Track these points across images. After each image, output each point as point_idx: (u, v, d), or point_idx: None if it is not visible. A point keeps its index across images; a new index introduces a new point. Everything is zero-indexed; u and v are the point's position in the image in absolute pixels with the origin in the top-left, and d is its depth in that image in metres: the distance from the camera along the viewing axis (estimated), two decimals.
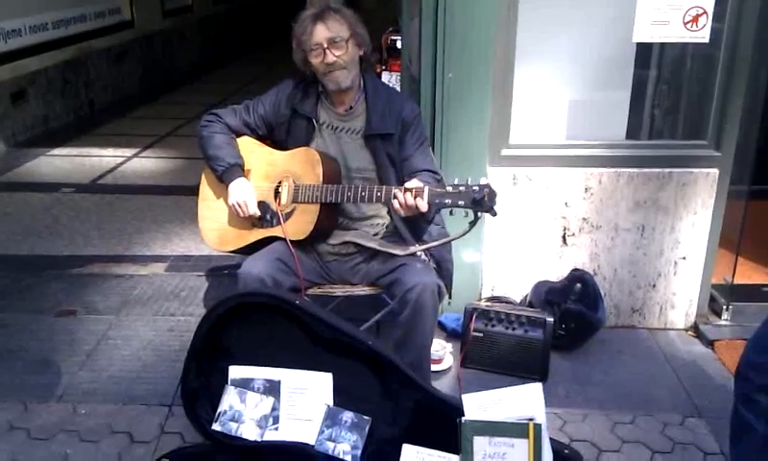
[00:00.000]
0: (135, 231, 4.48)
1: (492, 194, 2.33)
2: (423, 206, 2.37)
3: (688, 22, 3.00)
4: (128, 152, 6.25)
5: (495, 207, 2.35)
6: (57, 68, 7.06)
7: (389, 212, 2.71)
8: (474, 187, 2.33)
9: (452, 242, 2.70)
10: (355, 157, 2.68)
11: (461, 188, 2.35)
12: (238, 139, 2.78)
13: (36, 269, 3.93)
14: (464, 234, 2.51)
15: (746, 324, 3.31)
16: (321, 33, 2.55)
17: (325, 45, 2.54)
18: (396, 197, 2.42)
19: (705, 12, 2.98)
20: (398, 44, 4.87)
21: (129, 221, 4.66)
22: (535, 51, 3.14)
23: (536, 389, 2.25)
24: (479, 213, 2.36)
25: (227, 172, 2.69)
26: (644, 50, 3.26)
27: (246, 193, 2.67)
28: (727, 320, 3.38)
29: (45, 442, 2.60)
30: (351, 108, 2.69)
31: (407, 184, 2.41)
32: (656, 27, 3.02)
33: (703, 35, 3.03)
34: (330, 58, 2.54)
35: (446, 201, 2.36)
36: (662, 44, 3.23)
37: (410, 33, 3.49)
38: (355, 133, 2.68)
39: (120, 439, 2.62)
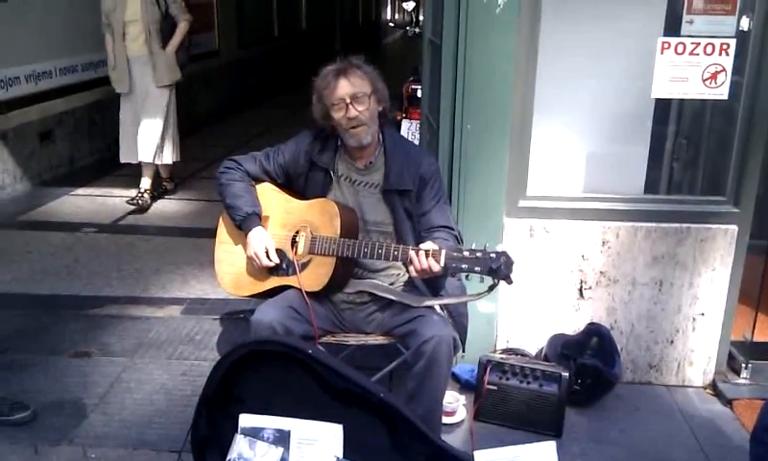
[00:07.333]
0: (153, 273, 4.51)
1: (509, 262, 2.33)
2: (438, 269, 2.37)
3: (707, 79, 3.01)
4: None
5: (512, 276, 2.34)
6: (84, 109, 7.18)
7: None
8: (491, 254, 2.33)
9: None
10: (373, 211, 2.69)
11: (478, 254, 2.34)
12: (257, 186, 2.81)
13: (54, 309, 3.96)
14: (481, 297, 2.51)
15: (766, 383, 3.25)
16: (344, 88, 2.56)
17: (348, 100, 2.55)
18: (411, 262, 2.42)
19: (723, 70, 2.99)
20: (419, 93, 4.91)
21: (147, 262, 4.69)
22: (553, 103, 3.16)
23: (549, 447, 2.21)
24: (495, 279, 2.36)
25: (245, 221, 2.71)
26: (663, 105, 3.26)
27: (264, 244, 2.67)
28: (746, 378, 3.31)
29: None
30: (371, 162, 2.70)
31: (423, 246, 2.42)
32: (675, 83, 3.03)
33: (721, 91, 3.03)
34: (353, 112, 2.55)
35: (463, 266, 2.36)
36: (681, 99, 3.23)
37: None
38: (373, 188, 2.69)
39: None
